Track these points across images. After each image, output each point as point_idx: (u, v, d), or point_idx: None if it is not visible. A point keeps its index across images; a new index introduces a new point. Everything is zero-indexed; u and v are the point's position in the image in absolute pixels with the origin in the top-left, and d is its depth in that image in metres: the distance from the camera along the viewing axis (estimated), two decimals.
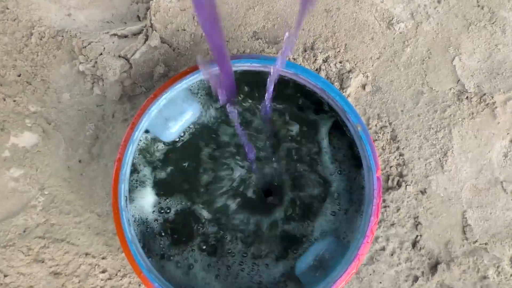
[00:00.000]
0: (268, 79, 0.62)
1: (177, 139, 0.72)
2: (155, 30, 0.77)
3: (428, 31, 0.81)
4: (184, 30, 0.78)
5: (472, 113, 0.79)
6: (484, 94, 0.79)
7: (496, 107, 0.79)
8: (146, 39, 0.77)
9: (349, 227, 0.69)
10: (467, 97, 0.79)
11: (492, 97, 0.79)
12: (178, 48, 0.78)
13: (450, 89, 0.80)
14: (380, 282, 0.74)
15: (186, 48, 0.79)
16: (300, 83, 0.69)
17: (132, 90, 0.77)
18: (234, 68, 0.69)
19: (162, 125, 0.70)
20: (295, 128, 0.73)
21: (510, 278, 0.75)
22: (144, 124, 0.67)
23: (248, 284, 0.70)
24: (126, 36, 0.78)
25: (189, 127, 0.72)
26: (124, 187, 0.65)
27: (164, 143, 0.72)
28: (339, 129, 0.71)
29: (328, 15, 0.80)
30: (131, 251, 0.62)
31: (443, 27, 0.81)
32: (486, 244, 0.76)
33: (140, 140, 0.70)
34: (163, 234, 0.70)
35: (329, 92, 0.67)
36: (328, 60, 0.79)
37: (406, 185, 0.77)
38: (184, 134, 0.72)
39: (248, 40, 0.80)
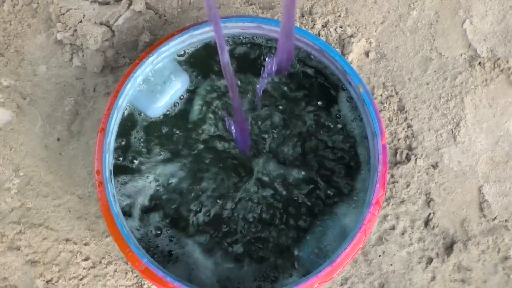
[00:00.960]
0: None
1: (164, 114, 0.65)
2: None
3: None
4: None
5: (486, 80, 0.73)
6: (498, 59, 0.73)
7: None
8: (130, 4, 0.70)
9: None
10: (479, 62, 0.73)
11: (507, 61, 0.73)
12: (164, 15, 0.72)
13: (461, 54, 0.73)
14: (391, 264, 0.67)
15: (173, 15, 0.72)
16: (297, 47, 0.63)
17: (115, 61, 0.71)
18: (226, 30, 0.63)
19: (149, 99, 0.64)
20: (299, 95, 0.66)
21: None
22: (129, 91, 0.61)
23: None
24: (108, 3, 0.72)
25: (176, 101, 0.66)
26: (108, 159, 0.59)
27: (150, 118, 0.65)
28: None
29: None
30: (118, 226, 0.55)
31: None
32: (506, 221, 0.69)
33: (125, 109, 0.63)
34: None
35: (329, 52, 0.61)
36: (327, 25, 0.72)
37: (416, 159, 0.70)
38: (172, 108, 0.66)
39: (241, 6, 0.73)
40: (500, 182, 0.71)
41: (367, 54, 0.72)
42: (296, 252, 0.61)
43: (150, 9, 0.71)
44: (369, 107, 0.59)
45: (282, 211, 0.63)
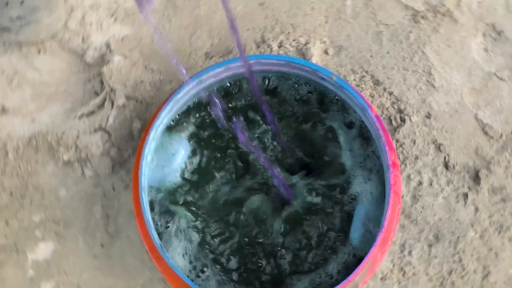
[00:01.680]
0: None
1: (184, 179, 0.71)
2: (117, 91, 0.77)
3: None
4: (142, 81, 0.79)
5: (434, 28, 0.80)
6: (435, 6, 0.80)
7: (452, 12, 0.80)
8: (113, 103, 0.77)
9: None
10: (422, 16, 0.80)
11: (444, 5, 0.80)
12: (144, 100, 0.79)
13: (403, 17, 0.81)
14: (434, 215, 0.72)
15: (151, 96, 0.79)
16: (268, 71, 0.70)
17: (120, 156, 0.77)
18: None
19: (161, 174, 0.70)
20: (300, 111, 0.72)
21: None
22: (145, 171, 0.66)
23: None
24: (93, 112, 0.79)
25: (186, 164, 0.71)
26: (154, 235, 0.63)
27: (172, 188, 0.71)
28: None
29: (263, 7, 0.82)
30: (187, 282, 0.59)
31: None
32: (511, 133, 0.75)
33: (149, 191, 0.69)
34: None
35: (293, 61, 0.68)
36: (282, 44, 0.80)
37: (410, 117, 0.76)
38: (190, 173, 0.71)
39: (203, 62, 0.81)
40: (490, 103, 0.77)
41: (326, 52, 0.80)
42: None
43: (130, 100, 0.78)
44: (347, 88, 0.66)
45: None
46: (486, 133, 0.75)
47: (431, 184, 0.73)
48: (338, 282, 0.61)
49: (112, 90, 0.78)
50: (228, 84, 0.72)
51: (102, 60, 0.80)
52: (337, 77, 0.66)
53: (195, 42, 0.81)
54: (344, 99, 0.68)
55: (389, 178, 0.61)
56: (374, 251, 0.59)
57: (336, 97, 0.69)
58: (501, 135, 0.75)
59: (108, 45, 0.81)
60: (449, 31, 0.80)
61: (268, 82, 0.72)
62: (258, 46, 0.80)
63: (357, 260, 0.64)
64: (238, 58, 0.68)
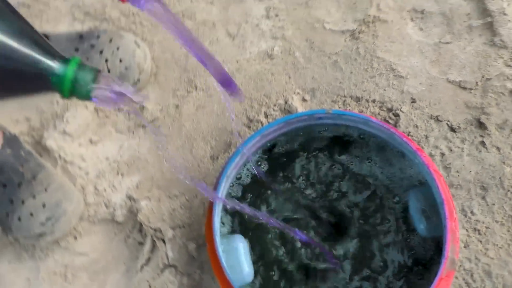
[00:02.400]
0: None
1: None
2: (161, 228, 0.83)
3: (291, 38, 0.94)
4: (174, 209, 0.85)
5: (373, 35, 0.92)
6: (363, 19, 0.92)
7: (378, 16, 0.92)
8: (163, 240, 0.83)
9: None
10: (358, 32, 0.92)
11: (369, 14, 0.93)
12: (184, 223, 0.85)
13: (345, 40, 0.92)
14: (470, 171, 0.79)
15: (188, 217, 0.85)
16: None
17: (193, 280, 0.81)
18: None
19: (237, 275, 0.74)
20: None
21: None
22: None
23: None
24: (149, 259, 0.84)
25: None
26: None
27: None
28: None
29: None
30: None
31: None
32: (482, 77, 0.85)
33: None
34: None
35: (288, 119, 0.76)
36: (268, 113, 0.89)
37: (400, 110, 0.85)
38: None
39: (213, 165, 0.88)
40: (451, 65, 0.88)
41: (304, 99, 0.89)
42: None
43: (175, 229, 0.84)
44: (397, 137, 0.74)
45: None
46: (464, 88, 0.85)
47: (451, 150, 0.81)
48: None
49: (156, 230, 0.83)
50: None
51: (131, 212, 0.86)
52: (337, 111, 0.75)
53: (197, 153, 0.89)
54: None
55: (422, 161, 0.69)
56: (449, 223, 0.65)
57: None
58: (476, 83, 0.85)
59: (129, 198, 0.87)
60: (386, 31, 0.91)
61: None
62: (249, 127, 0.88)
63: (437, 243, 0.70)
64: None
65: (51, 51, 0.45)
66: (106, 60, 0.91)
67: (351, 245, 0.75)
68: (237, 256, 0.74)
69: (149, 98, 0.95)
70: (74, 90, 0.44)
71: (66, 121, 0.92)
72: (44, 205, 0.82)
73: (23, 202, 0.82)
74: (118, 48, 0.91)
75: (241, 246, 0.74)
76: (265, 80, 0.92)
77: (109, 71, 0.91)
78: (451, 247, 0.63)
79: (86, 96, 0.45)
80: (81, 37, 0.94)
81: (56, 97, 0.95)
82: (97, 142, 0.92)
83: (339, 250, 0.75)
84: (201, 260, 0.82)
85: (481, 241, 0.75)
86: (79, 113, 0.93)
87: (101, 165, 0.90)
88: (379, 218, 0.75)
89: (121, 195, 0.88)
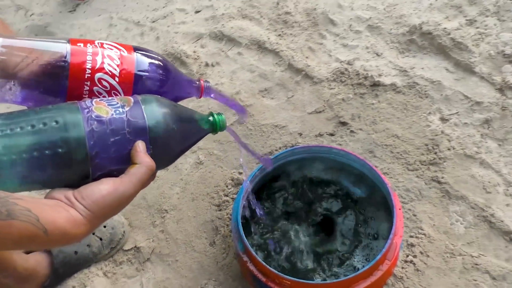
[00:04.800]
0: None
1: None
2: None
3: None
4: None
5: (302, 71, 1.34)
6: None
7: (307, 51, 1.36)
8: None
9: None
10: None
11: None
12: None
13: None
14: None
15: None
16: None
17: None
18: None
19: None
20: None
21: None
22: None
23: None
24: None
25: None
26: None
27: None
28: None
29: (207, 170, 1.22)
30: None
31: None
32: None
33: None
34: None
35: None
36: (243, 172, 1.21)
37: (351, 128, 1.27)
38: None
39: (216, 249, 1.14)
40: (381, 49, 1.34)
41: (240, 173, 1.24)
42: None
43: None
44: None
45: None
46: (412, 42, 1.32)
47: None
48: None
49: None
50: None
51: None
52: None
53: (199, 248, 1.14)
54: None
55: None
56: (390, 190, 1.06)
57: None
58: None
59: None
60: (314, 51, 1.35)
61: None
62: (236, 184, 1.19)
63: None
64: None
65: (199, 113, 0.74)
66: (93, 233, 1.13)
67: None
68: None
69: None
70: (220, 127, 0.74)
71: None
72: None
73: None
74: None
75: None
76: (207, 177, 1.25)
77: (100, 239, 1.13)
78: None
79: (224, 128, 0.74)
80: None
81: None
82: None
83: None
84: None
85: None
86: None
87: None
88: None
89: None
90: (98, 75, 0.69)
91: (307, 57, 1.46)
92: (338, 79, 1.39)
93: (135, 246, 1.16)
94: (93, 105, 0.63)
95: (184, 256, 1.14)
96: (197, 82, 0.80)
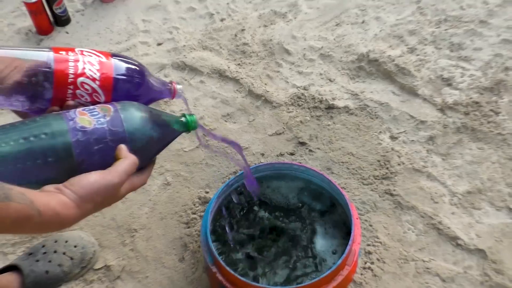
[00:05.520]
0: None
1: None
2: None
3: None
4: None
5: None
6: (254, 93, 1.42)
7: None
8: None
9: None
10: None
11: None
12: None
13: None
14: None
15: None
16: None
17: None
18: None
19: None
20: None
21: None
22: None
23: None
24: None
25: None
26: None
27: None
28: None
29: (175, 189, 1.27)
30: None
31: None
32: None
33: None
34: None
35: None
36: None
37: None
38: None
39: (185, 264, 1.19)
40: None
41: (206, 192, 1.30)
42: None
43: None
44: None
45: None
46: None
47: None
48: None
49: None
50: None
51: None
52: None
53: (169, 264, 1.19)
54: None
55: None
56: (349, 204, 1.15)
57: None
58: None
59: None
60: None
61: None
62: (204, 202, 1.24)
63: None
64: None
65: (172, 116, 0.81)
66: (64, 253, 1.15)
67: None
68: None
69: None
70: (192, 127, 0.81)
71: None
72: None
73: None
74: (66, 241, 1.17)
75: None
76: (175, 197, 1.30)
77: (71, 258, 1.16)
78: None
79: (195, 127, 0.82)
80: (30, 254, 1.16)
81: None
82: None
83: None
84: None
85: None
86: None
87: None
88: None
89: None
90: (80, 79, 0.76)
91: (265, 84, 1.56)
92: (296, 103, 1.49)
93: (106, 265, 1.19)
94: (77, 115, 0.70)
95: (154, 272, 1.18)
96: (170, 85, 0.88)
